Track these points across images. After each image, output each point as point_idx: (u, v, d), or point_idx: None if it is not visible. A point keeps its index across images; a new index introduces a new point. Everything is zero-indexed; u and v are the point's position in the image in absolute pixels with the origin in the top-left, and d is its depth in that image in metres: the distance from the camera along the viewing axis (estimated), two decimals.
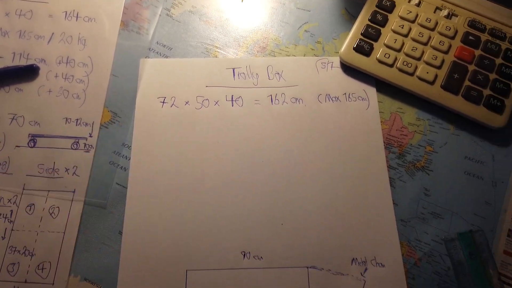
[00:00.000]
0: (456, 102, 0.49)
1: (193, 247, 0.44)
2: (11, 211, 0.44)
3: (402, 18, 0.53)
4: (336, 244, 0.44)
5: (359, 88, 0.51)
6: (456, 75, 0.50)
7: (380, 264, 0.44)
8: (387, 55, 0.51)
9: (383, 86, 0.51)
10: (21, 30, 0.53)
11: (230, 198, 0.46)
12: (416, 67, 0.51)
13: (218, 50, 0.53)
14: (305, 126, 0.50)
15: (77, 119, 0.49)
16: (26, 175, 0.46)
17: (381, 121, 0.50)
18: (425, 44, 0.52)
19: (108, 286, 0.42)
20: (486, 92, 0.49)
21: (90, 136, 0.48)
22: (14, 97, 0.49)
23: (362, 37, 0.52)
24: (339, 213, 0.46)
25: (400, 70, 0.51)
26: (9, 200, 0.45)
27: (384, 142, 0.49)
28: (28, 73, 0.50)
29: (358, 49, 0.51)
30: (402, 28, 0.52)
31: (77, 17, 0.54)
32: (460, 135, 0.50)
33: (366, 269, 0.44)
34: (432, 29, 0.52)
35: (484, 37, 0.52)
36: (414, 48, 0.51)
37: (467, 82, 0.50)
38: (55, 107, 0.49)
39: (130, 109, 0.50)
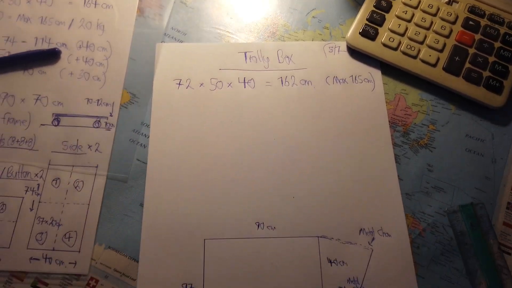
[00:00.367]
0: (457, 83, 0.52)
1: (210, 218, 0.46)
2: (38, 185, 0.47)
3: (405, 4, 0.55)
4: (345, 215, 0.47)
5: (365, 70, 0.54)
6: (457, 58, 0.53)
7: (386, 234, 0.46)
8: (391, 39, 0.54)
9: (387, 69, 0.54)
10: (42, 16, 0.55)
11: (244, 173, 0.49)
12: (419, 51, 0.53)
13: (230, 35, 0.56)
14: (314, 106, 0.52)
15: (98, 100, 0.51)
16: (51, 152, 0.49)
17: (386, 102, 0.52)
18: (428, 28, 0.54)
19: (131, 254, 0.45)
20: (486, 73, 0.52)
21: (111, 116, 0.51)
22: (38, 79, 0.52)
23: (367, 22, 0.55)
24: (348, 187, 0.48)
25: (404, 53, 0.53)
26: (36, 175, 0.47)
27: (389, 121, 0.51)
28: (50, 56, 0.53)
29: (364, 33, 0.54)
30: (406, 13, 0.55)
31: (95, 4, 0.56)
32: (461, 114, 0.52)
33: (373, 239, 0.46)
34: (434, 15, 0.55)
35: (483, 22, 0.55)
36: (417, 32, 0.54)
37: (467, 65, 0.52)
38: (77, 89, 0.52)
39: (148, 90, 0.52)
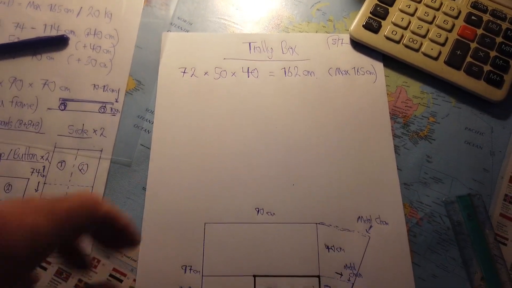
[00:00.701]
0: (458, 77, 0.52)
1: (211, 203, 0.47)
2: (44, 166, 0.48)
3: None
4: (343, 203, 0.48)
5: (367, 62, 0.55)
6: (458, 52, 0.53)
7: (384, 222, 0.47)
8: (394, 32, 0.54)
9: (390, 61, 0.55)
10: (51, 4, 0.57)
11: (246, 160, 0.49)
12: (421, 44, 0.54)
13: (235, 26, 0.57)
14: (316, 96, 0.53)
15: (104, 86, 0.52)
16: (57, 135, 0.50)
17: (387, 94, 0.53)
18: (430, 22, 0.55)
19: None
20: (487, 68, 0.53)
21: (116, 101, 0.52)
22: (46, 65, 0.53)
23: (371, 16, 0.55)
24: (347, 175, 0.49)
25: (406, 46, 0.54)
26: (42, 157, 0.49)
27: (389, 113, 0.52)
28: (58, 42, 0.54)
29: (367, 26, 0.55)
30: (409, 7, 0.55)
31: None
32: (461, 107, 0.53)
33: (371, 226, 0.47)
34: (437, 9, 0.56)
35: (485, 17, 0.55)
36: (419, 26, 0.55)
37: (469, 59, 0.53)
38: (84, 74, 0.53)
39: (153, 78, 0.53)
